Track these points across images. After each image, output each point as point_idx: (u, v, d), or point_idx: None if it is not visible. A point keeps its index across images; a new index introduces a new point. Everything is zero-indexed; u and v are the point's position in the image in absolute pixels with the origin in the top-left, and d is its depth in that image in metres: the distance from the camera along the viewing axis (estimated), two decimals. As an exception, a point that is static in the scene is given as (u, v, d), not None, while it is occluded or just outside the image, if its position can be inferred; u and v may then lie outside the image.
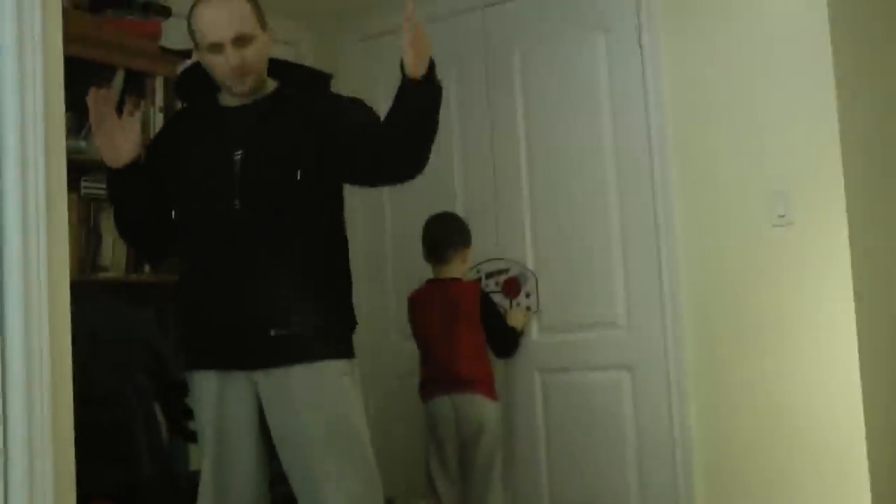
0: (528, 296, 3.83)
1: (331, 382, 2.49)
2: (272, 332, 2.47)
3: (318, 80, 2.70)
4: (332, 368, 2.49)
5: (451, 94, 4.10)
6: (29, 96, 2.30)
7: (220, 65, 2.48)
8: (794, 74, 3.33)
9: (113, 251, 3.42)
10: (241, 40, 2.46)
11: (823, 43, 3.28)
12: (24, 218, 2.27)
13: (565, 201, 3.80)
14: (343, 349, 2.53)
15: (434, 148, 3.81)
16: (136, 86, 3.53)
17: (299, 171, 2.49)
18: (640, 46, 3.65)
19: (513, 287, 3.87)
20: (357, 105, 2.63)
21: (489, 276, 3.91)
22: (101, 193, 3.40)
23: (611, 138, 3.72)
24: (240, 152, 2.52)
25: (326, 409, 2.48)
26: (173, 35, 3.66)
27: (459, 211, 3.89)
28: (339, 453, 2.46)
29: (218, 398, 2.54)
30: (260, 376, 2.50)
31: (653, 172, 3.59)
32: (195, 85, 2.62)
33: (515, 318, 3.77)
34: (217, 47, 2.46)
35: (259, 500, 2.55)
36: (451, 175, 4.07)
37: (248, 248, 2.49)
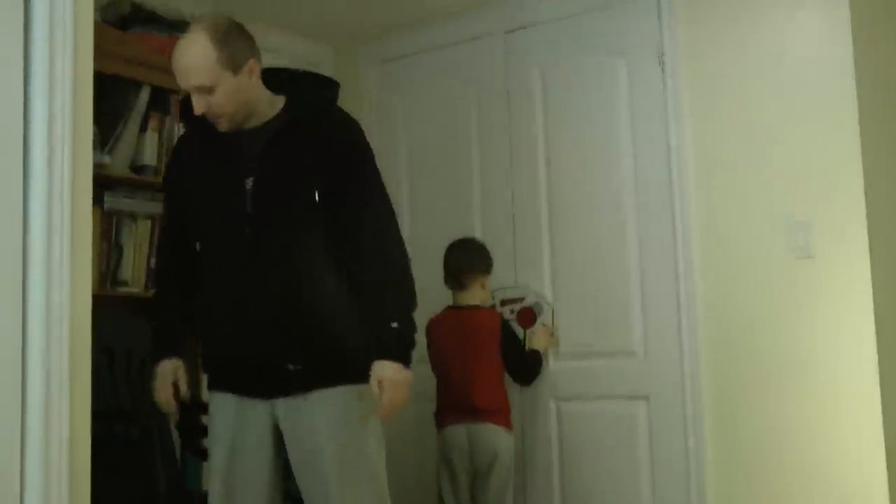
0: (543, 326, 3.81)
1: (347, 407, 2.50)
2: (290, 367, 2.49)
3: (325, 96, 2.65)
4: (350, 393, 2.50)
5: (471, 117, 4.13)
6: (58, 110, 2.30)
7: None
8: (817, 104, 3.32)
9: (133, 266, 3.42)
10: (202, 90, 2.43)
11: (847, 72, 3.27)
12: (49, 230, 2.27)
13: (584, 228, 3.79)
14: (362, 373, 2.50)
15: (453, 172, 3.78)
16: (160, 102, 3.55)
17: (317, 193, 2.48)
18: (662, 73, 3.64)
19: (528, 316, 3.84)
20: (366, 169, 2.59)
21: (504, 303, 3.88)
22: (123, 208, 3.41)
23: (631, 165, 3.70)
24: (251, 179, 2.51)
25: (342, 435, 2.49)
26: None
27: (477, 236, 3.88)
28: (353, 480, 2.47)
29: (235, 420, 2.54)
30: (278, 402, 2.52)
31: (672, 199, 3.58)
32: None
33: (538, 340, 3.73)
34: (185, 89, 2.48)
35: None
36: (469, 200, 4.07)
37: (261, 279, 2.49)
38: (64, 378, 2.27)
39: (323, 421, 2.47)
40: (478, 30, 4.12)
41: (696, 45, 3.58)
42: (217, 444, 2.58)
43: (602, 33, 3.81)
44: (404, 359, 2.47)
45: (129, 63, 3.38)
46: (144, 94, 3.48)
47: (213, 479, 2.57)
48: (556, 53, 3.92)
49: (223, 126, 2.51)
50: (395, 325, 2.47)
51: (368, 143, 2.63)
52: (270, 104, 2.57)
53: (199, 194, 2.58)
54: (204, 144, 2.60)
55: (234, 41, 2.45)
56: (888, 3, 3.62)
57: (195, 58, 2.41)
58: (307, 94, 2.62)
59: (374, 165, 2.61)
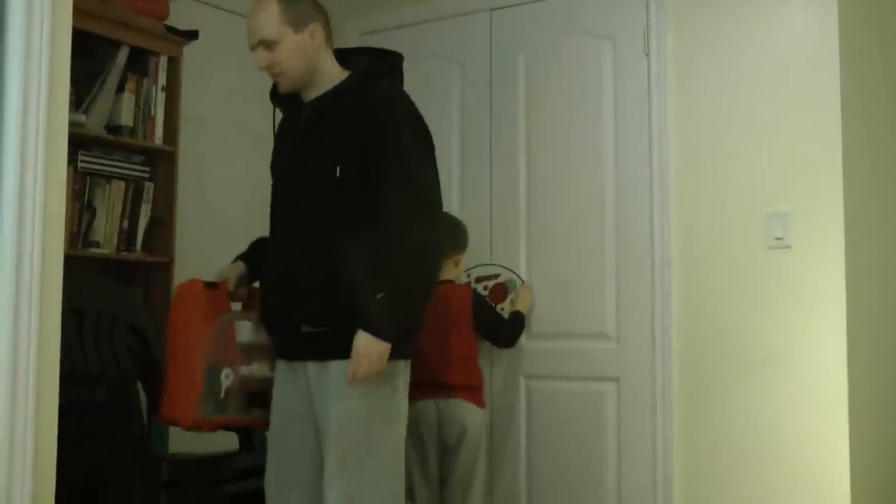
0: (524, 288, 3.81)
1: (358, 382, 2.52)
2: (303, 329, 2.56)
3: (371, 67, 2.72)
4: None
5: (453, 94, 4.10)
6: (34, 67, 2.27)
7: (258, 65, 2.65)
8: (800, 95, 3.33)
9: (105, 227, 3.39)
10: (264, 44, 2.59)
11: (832, 64, 3.28)
12: (22, 189, 2.24)
13: (562, 209, 3.78)
14: None
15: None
16: (139, 63, 3.51)
17: (338, 168, 2.55)
18: (647, 58, 3.63)
19: (500, 293, 3.84)
20: (391, 143, 2.57)
21: (479, 280, 3.88)
22: (97, 168, 3.38)
23: (612, 149, 3.69)
24: (304, 147, 2.62)
25: (341, 405, 2.53)
26: (180, 16, 3.64)
27: (455, 213, 3.86)
28: (344, 452, 2.51)
29: (283, 385, 2.67)
30: (309, 366, 2.61)
31: (652, 184, 3.57)
32: None
33: (522, 301, 3.73)
34: (251, 47, 2.63)
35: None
36: (448, 176, 4.02)
37: (291, 244, 2.60)
38: (33, 338, 2.25)
39: (331, 393, 2.53)
40: (464, 5, 4.08)
41: (682, 32, 3.57)
42: (273, 410, 2.69)
43: (589, 15, 3.79)
44: (378, 330, 2.46)
45: (107, 23, 3.35)
46: (123, 55, 3.44)
47: (271, 444, 2.67)
48: (542, 33, 3.89)
49: (282, 86, 2.66)
50: (379, 295, 2.48)
51: (407, 118, 2.63)
52: (340, 76, 2.68)
53: (273, 158, 2.78)
54: (287, 114, 2.78)
55: (300, 3, 2.62)
56: (875, 1, 3.63)
57: (261, 14, 2.59)
58: (360, 65, 2.71)
59: (407, 140, 2.59)
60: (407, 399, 2.66)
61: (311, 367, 2.59)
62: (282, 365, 2.69)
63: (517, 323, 3.70)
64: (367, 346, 2.45)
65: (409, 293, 2.52)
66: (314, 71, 2.65)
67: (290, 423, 2.63)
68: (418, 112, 2.67)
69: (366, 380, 2.47)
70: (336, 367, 2.53)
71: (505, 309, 3.79)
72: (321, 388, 2.56)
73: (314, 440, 2.60)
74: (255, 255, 2.85)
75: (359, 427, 2.51)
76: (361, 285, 2.51)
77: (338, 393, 2.52)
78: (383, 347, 2.47)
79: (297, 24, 2.59)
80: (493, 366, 3.83)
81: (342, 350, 2.50)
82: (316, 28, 2.62)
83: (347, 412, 2.51)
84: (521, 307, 3.74)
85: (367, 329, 2.46)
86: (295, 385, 2.63)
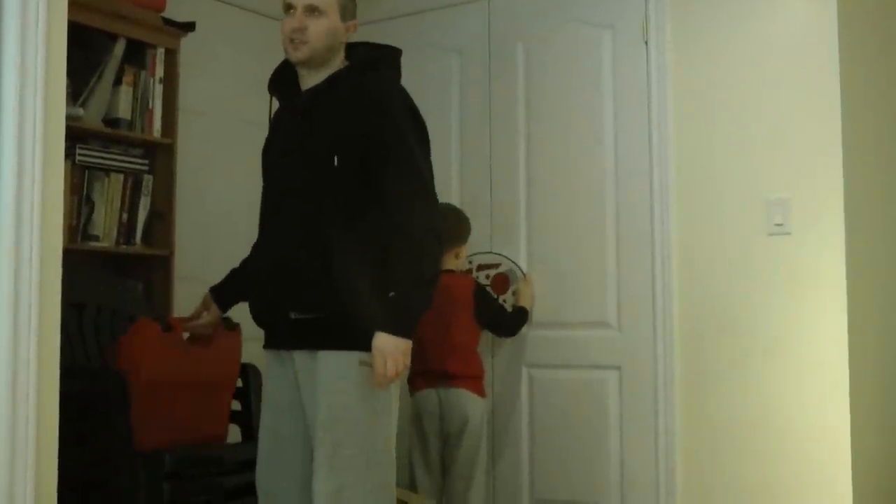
0: (514, 294, 3.82)
1: (345, 374, 2.50)
2: (292, 316, 2.54)
3: (364, 58, 2.71)
4: (351, 358, 2.50)
5: (452, 84, 4.10)
6: (30, 60, 2.26)
7: (284, 27, 2.59)
8: (799, 82, 3.32)
9: (105, 221, 3.39)
10: (311, 10, 2.57)
11: (830, 52, 3.27)
12: (19, 183, 2.24)
13: (562, 198, 3.78)
14: (366, 339, 2.49)
15: (432, 138, 3.81)
16: (136, 56, 3.50)
17: (336, 157, 2.52)
18: (646, 47, 3.62)
19: (502, 283, 3.84)
20: (388, 135, 2.55)
21: (480, 268, 3.88)
22: (95, 161, 3.37)
23: (611, 137, 3.69)
24: (300, 134, 2.60)
25: (331, 396, 2.50)
26: (177, 8, 3.63)
27: (455, 203, 3.86)
28: (334, 444, 2.48)
29: (271, 376, 2.67)
30: (296, 356, 2.59)
31: (652, 173, 3.57)
32: (285, 77, 2.71)
33: (525, 297, 3.73)
34: (290, 7, 2.59)
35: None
36: (447, 166, 4.04)
37: (286, 234, 2.58)
38: (33, 333, 2.24)
39: (321, 384, 2.51)
40: (462, -6, 4.08)
41: (681, 20, 3.56)
42: (263, 401, 2.71)
43: (587, 3, 3.78)
44: (396, 328, 2.47)
45: (105, 16, 3.34)
46: (120, 48, 3.43)
47: (261, 436, 2.67)
48: (540, 22, 3.88)
49: (298, 54, 2.59)
50: (392, 293, 2.48)
51: (405, 109, 2.62)
52: (335, 65, 2.67)
53: (266, 147, 2.74)
54: (283, 105, 2.75)
55: None
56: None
57: None
58: (355, 58, 2.71)
59: (406, 132, 2.58)
60: (399, 392, 2.64)
61: (299, 357, 2.57)
62: (270, 356, 2.67)
63: (520, 318, 3.71)
64: (390, 346, 2.45)
65: (418, 287, 2.51)
66: (328, 59, 2.63)
67: (280, 414, 2.62)
68: (414, 104, 2.66)
69: (394, 378, 2.48)
70: (325, 357, 2.51)
71: (507, 302, 3.79)
72: (309, 379, 2.54)
73: (304, 431, 2.58)
74: (233, 283, 2.88)
75: (350, 419, 2.49)
76: (362, 280, 2.50)
77: (328, 385, 2.50)
78: (405, 345, 2.48)
79: (345, 13, 2.64)
80: (495, 355, 3.83)
81: (332, 341, 2.50)
82: (353, 26, 2.67)
83: (338, 404, 2.49)
84: (525, 303, 3.74)
85: (385, 329, 2.46)
86: (284, 375, 2.62)
